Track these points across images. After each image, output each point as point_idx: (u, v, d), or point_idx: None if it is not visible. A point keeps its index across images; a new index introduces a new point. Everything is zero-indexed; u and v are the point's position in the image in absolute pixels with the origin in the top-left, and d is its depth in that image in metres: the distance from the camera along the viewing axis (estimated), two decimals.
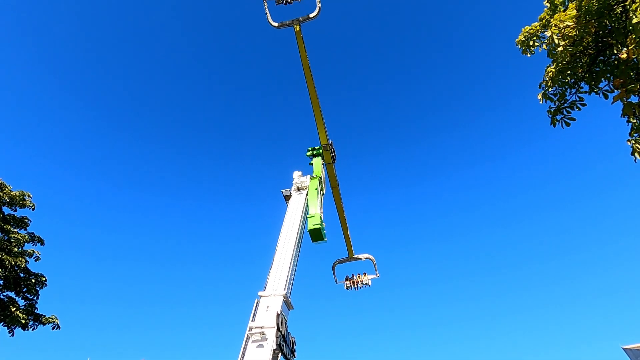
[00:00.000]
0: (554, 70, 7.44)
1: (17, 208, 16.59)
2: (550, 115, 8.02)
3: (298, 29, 15.66)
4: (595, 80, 7.40)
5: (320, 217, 14.05)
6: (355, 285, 18.75)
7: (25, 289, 15.86)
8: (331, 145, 16.92)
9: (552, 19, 7.00)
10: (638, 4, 5.55)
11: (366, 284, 18.71)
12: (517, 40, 8.66)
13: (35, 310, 15.93)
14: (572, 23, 6.67)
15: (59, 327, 16.12)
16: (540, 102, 7.99)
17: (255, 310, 9.76)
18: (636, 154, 6.82)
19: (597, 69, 7.38)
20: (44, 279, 16.49)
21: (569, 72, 7.32)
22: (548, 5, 7.92)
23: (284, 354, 9.25)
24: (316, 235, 13.69)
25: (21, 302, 15.70)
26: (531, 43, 8.41)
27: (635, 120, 6.92)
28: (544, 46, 7.69)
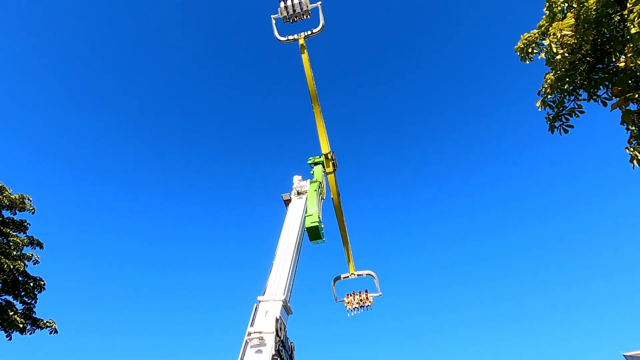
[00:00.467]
0: (552, 77, 7.50)
1: (17, 211, 16.59)
2: (548, 122, 8.08)
3: (302, 42, 16.71)
4: (593, 88, 7.47)
5: (319, 217, 14.08)
6: (357, 306, 17.37)
7: (23, 293, 15.81)
8: (332, 154, 17.16)
9: (550, 28, 7.07)
10: (636, 13, 5.61)
11: (369, 305, 17.38)
12: (516, 47, 8.74)
13: (34, 315, 15.86)
14: (571, 32, 6.74)
15: (56, 331, 16.05)
16: (539, 109, 8.05)
17: (254, 315, 9.74)
18: (635, 161, 6.86)
19: (595, 76, 7.45)
20: (42, 282, 16.44)
21: (567, 79, 7.39)
22: (547, 12, 8.00)
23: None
24: (314, 233, 13.61)
25: (19, 306, 15.64)
26: (530, 50, 8.49)
27: (633, 128, 6.97)
28: (543, 55, 7.76)
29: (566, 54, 6.94)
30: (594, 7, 6.50)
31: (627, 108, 6.97)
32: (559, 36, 6.81)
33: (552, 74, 7.65)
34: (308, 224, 13.67)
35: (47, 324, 15.86)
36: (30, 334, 15.53)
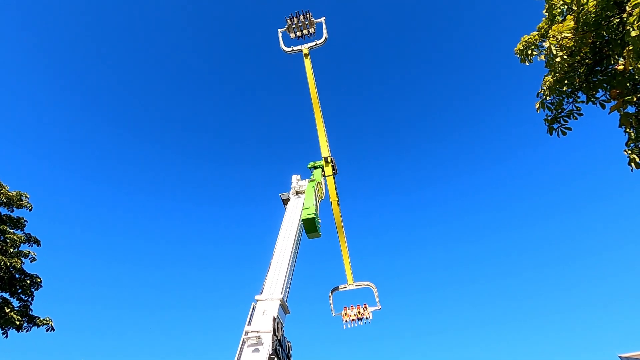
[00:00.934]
0: (551, 80, 7.52)
1: (14, 208, 16.55)
2: (547, 124, 8.10)
3: (306, 51, 17.96)
4: (592, 90, 7.49)
5: (316, 210, 14.08)
6: (355, 321, 16.09)
7: (20, 290, 15.76)
8: (332, 159, 17.36)
9: (550, 30, 7.09)
10: (635, 16, 5.63)
11: (367, 318, 16.09)
12: (515, 49, 8.76)
13: (30, 312, 15.82)
14: (570, 34, 6.76)
15: (53, 329, 16.00)
16: (538, 111, 8.08)
17: (251, 314, 9.75)
18: (633, 164, 6.89)
19: (594, 79, 7.47)
20: (39, 280, 16.40)
21: (566, 81, 7.41)
22: (547, 14, 8.03)
23: (279, 359, 9.23)
24: (310, 225, 13.56)
25: (16, 304, 15.60)
26: (529, 52, 8.52)
27: (631, 131, 7.00)
28: (542, 57, 7.79)
29: (565, 57, 6.96)
30: (594, 10, 6.52)
31: (626, 111, 7.00)
32: (558, 38, 6.83)
33: (551, 76, 7.66)
34: (304, 215, 13.62)
35: (44, 321, 15.82)
36: (27, 331, 15.49)
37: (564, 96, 7.77)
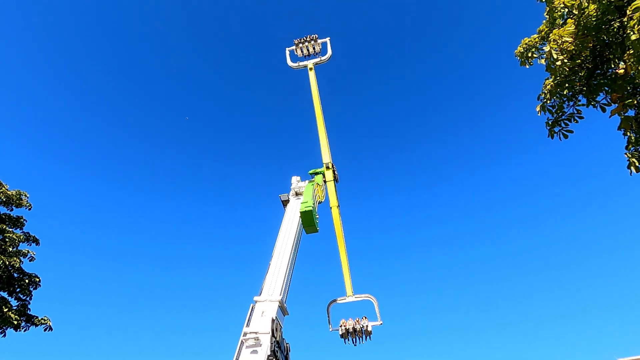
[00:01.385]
0: (552, 83, 7.52)
1: (14, 207, 16.54)
2: (548, 127, 8.10)
3: (311, 66, 19.69)
4: (592, 94, 7.49)
5: (313, 205, 14.19)
6: (354, 337, 14.37)
7: (18, 290, 15.75)
8: (333, 166, 17.52)
9: (551, 34, 7.09)
10: (635, 20, 5.63)
11: (367, 334, 14.35)
12: (516, 51, 8.76)
13: (28, 311, 15.81)
14: (571, 38, 6.76)
15: (51, 328, 15.99)
16: (539, 114, 8.07)
17: (250, 315, 9.75)
18: (632, 167, 6.89)
19: (594, 82, 7.47)
20: (37, 279, 16.38)
21: (567, 85, 7.41)
22: (548, 17, 8.03)
23: None
24: (307, 218, 13.69)
25: (14, 303, 15.59)
26: (530, 55, 8.51)
27: (631, 134, 7.00)
28: (543, 60, 7.79)
29: (566, 60, 6.96)
30: (594, 14, 6.52)
31: (626, 114, 7.00)
32: (559, 42, 6.83)
33: (551, 79, 7.66)
34: (302, 208, 13.83)
35: (42, 321, 15.80)
36: (25, 330, 15.47)
37: (564, 99, 7.77)
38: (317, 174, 16.90)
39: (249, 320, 9.57)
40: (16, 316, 14.88)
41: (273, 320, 9.41)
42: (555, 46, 6.87)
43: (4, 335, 14.95)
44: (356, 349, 13.74)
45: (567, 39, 6.75)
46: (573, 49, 6.83)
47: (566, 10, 7.47)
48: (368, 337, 14.38)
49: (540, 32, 8.22)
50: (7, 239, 15.48)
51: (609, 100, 7.38)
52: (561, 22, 7.71)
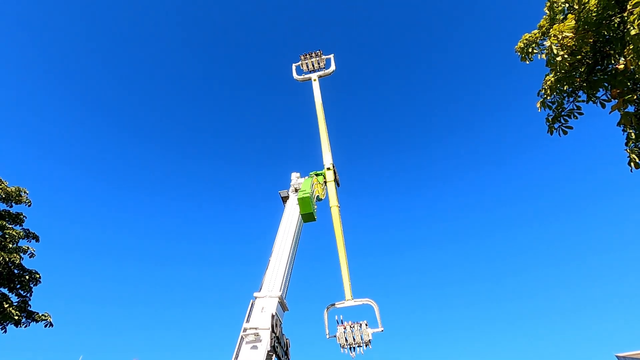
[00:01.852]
0: (552, 79, 7.50)
1: (13, 204, 16.52)
2: (548, 124, 8.08)
3: (315, 78, 20.94)
4: (592, 90, 7.47)
5: (312, 195, 14.40)
6: (352, 346, 13.43)
7: (19, 286, 15.76)
8: (333, 166, 17.72)
9: (551, 29, 7.06)
10: (635, 15, 5.61)
11: (366, 343, 13.46)
12: (516, 47, 8.72)
13: (29, 307, 15.83)
14: (571, 33, 6.73)
15: (51, 324, 16.02)
16: (539, 111, 8.06)
17: (250, 311, 9.77)
18: (632, 164, 6.88)
19: (594, 78, 7.44)
20: (38, 275, 16.39)
21: (567, 81, 7.39)
22: (548, 13, 7.99)
23: (277, 356, 9.25)
24: (305, 205, 13.91)
25: (14, 299, 15.61)
26: (530, 50, 8.48)
27: (631, 130, 6.98)
28: (543, 56, 7.75)
29: (566, 56, 6.94)
30: (595, 9, 6.49)
31: (626, 110, 6.98)
32: (559, 37, 6.80)
33: (552, 75, 7.64)
34: (300, 195, 14.12)
35: (42, 317, 15.83)
36: (25, 326, 15.50)
37: (564, 95, 7.75)
38: (318, 175, 17.06)
39: (248, 316, 9.59)
40: (17, 312, 14.91)
41: (273, 316, 9.44)
42: (556, 41, 6.84)
43: (5, 331, 14.99)
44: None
45: (568, 34, 6.72)
46: (573, 45, 6.81)
47: (567, 5, 7.44)
48: (367, 346, 13.60)
49: (540, 27, 8.18)
50: (7, 235, 15.48)
51: (609, 96, 7.36)
52: (561, 18, 7.68)
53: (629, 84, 6.90)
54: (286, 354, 10.06)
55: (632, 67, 6.40)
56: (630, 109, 7.04)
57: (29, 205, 16.95)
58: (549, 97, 7.92)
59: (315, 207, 14.68)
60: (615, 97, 7.09)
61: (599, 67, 7.35)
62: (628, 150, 6.93)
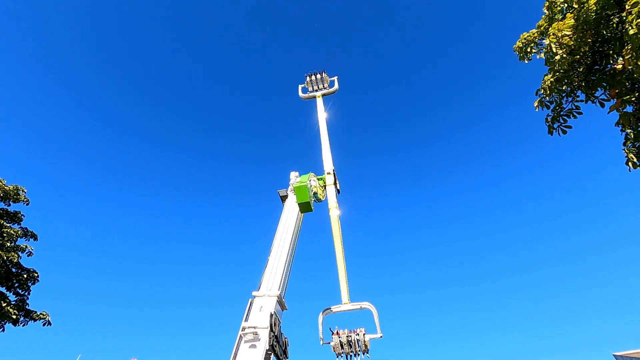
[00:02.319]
0: (551, 79, 7.50)
1: (11, 202, 16.47)
2: (547, 124, 8.08)
3: (320, 96, 22.21)
4: (591, 89, 7.47)
5: (308, 185, 14.55)
6: (348, 354, 12.52)
7: (17, 284, 15.72)
8: (333, 171, 17.77)
9: (550, 28, 7.06)
10: (634, 15, 5.61)
11: (364, 351, 12.55)
12: (515, 46, 8.72)
13: (27, 306, 15.79)
14: (570, 32, 6.74)
15: (50, 323, 15.99)
16: (537, 110, 8.06)
17: (248, 310, 9.76)
18: (630, 164, 6.89)
19: (593, 77, 7.45)
20: (36, 274, 16.35)
21: (565, 80, 7.39)
22: (547, 12, 7.99)
23: (276, 355, 9.25)
24: (302, 193, 14.03)
25: (12, 298, 15.57)
26: (529, 50, 8.48)
27: (630, 130, 6.99)
28: (542, 55, 7.76)
29: (565, 55, 6.94)
30: (594, 9, 6.50)
31: (624, 110, 6.99)
32: (558, 37, 6.81)
33: (550, 75, 7.64)
34: (296, 184, 14.32)
35: (40, 315, 15.80)
36: (23, 325, 15.46)
37: (563, 95, 7.75)
38: (319, 179, 17.22)
39: (247, 315, 9.58)
40: (15, 311, 14.87)
41: (271, 315, 9.43)
42: (555, 40, 6.85)
43: (3, 330, 14.95)
44: None
45: (567, 33, 6.72)
46: (572, 44, 6.81)
47: (566, 5, 7.44)
48: (365, 354, 12.70)
49: (539, 27, 8.18)
50: (5, 234, 15.44)
51: (607, 96, 7.37)
52: (560, 17, 7.68)
53: (627, 84, 6.90)
54: (285, 353, 10.05)
55: (629, 67, 6.41)
56: (629, 108, 7.05)
57: (27, 204, 16.90)
58: (547, 97, 7.93)
59: (313, 199, 14.79)
60: (613, 97, 7.09)
61: (598, 67, 7.35)
62: (626, 150, 6.94)
